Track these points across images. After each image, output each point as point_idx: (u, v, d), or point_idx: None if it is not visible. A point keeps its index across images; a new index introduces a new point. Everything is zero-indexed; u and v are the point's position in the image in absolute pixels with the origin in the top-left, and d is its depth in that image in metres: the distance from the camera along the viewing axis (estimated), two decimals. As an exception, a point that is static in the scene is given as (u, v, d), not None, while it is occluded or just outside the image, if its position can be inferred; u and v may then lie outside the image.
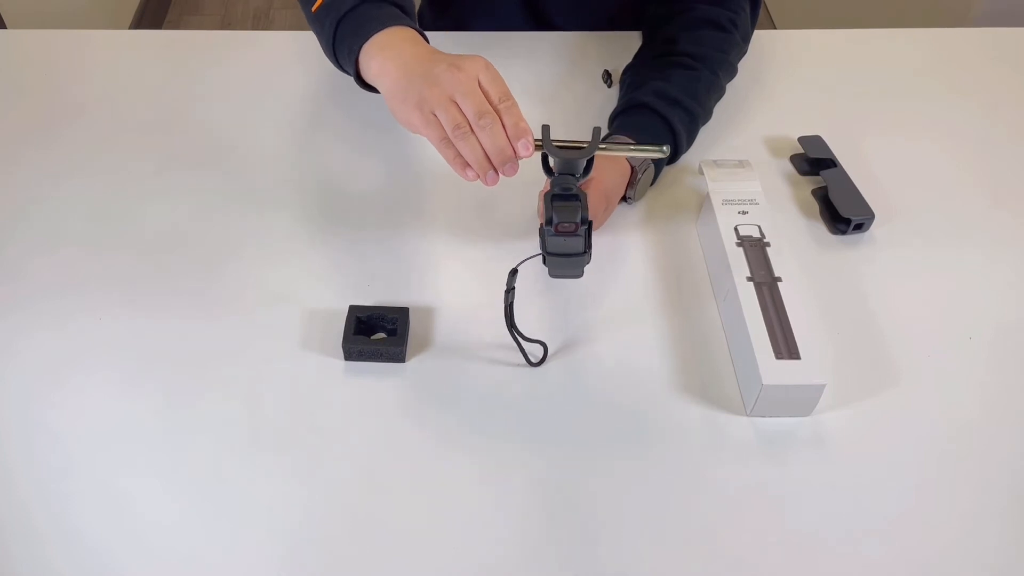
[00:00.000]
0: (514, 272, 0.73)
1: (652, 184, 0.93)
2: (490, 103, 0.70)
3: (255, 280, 0.84)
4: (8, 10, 1.92)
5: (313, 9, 0.86)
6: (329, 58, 0.88)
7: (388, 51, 0.78)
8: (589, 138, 0.71)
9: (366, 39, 0.80)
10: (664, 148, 0.73)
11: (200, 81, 1.06)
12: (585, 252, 0.71)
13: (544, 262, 0.73)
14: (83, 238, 0.87)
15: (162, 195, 0.92)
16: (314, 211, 0.90)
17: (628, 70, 1.01)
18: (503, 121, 0.69)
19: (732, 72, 1.00)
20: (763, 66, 1.06)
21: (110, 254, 0.86)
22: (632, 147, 0.72)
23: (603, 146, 0.70)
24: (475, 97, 0.70)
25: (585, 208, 0.69)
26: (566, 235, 0.69)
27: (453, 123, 0.70)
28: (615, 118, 0.95)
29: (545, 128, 0.69)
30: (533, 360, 0.77)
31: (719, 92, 0.98)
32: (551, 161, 0.72)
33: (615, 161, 0.86)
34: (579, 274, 0.75)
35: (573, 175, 0.71)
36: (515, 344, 0.76)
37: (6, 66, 1.08)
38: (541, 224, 0.73)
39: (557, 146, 0.69)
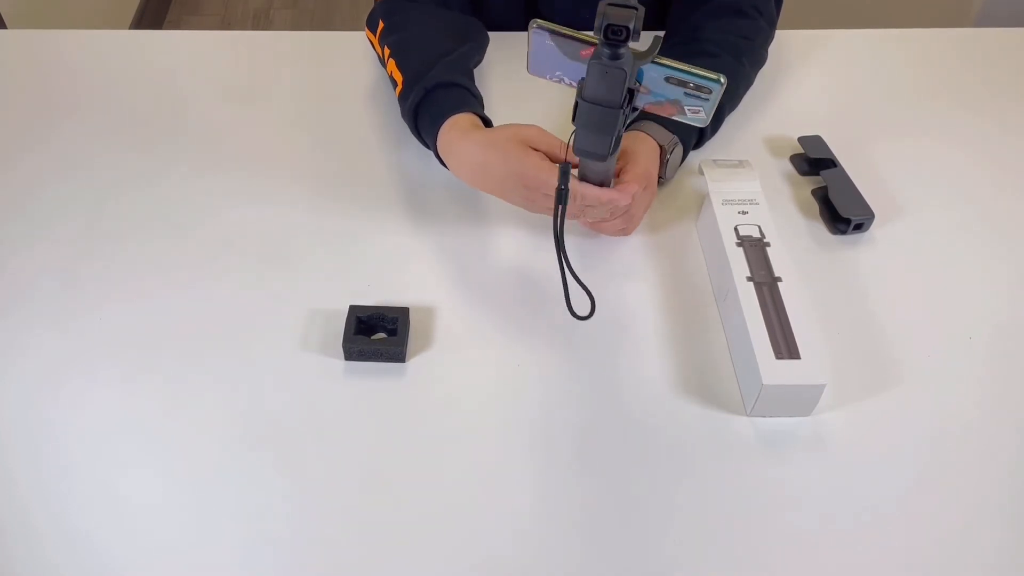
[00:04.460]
0: (566, 171, 0.73)
1: (680, 163, 0.94)
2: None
3: (255, 280, 0.84)
4: (8, 10, 1.92)
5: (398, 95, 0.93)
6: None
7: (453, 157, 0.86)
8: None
9: (436, 138, 0.87)
10: (721, 78, 0.69)
11: (200, 81, 1.06)
12: (622, 107, 0.67)
13: (573, 120, 0.70)
14: (82, 238, 0.87)
15: (161, 195, 0.92)
16: (314, 211, 0.90)
17: None
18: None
19: (760, 59, 1.01)
20: (764, 66, 1.06)
21: (109, 254, 0.86)
22: (685, 68, 0.69)
23: (658, 60, 0.67)
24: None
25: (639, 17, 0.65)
26: (616, 42, 0.64)
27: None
28: None
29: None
30: (580, 314, 0.76)
31: (745, 80, 0.99)
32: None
33: (645, 143, 0.87)
34: (604, 153, 0.71)
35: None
36: (562, 284, 0.75)
37: (6, 66, 1.08)
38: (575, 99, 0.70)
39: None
